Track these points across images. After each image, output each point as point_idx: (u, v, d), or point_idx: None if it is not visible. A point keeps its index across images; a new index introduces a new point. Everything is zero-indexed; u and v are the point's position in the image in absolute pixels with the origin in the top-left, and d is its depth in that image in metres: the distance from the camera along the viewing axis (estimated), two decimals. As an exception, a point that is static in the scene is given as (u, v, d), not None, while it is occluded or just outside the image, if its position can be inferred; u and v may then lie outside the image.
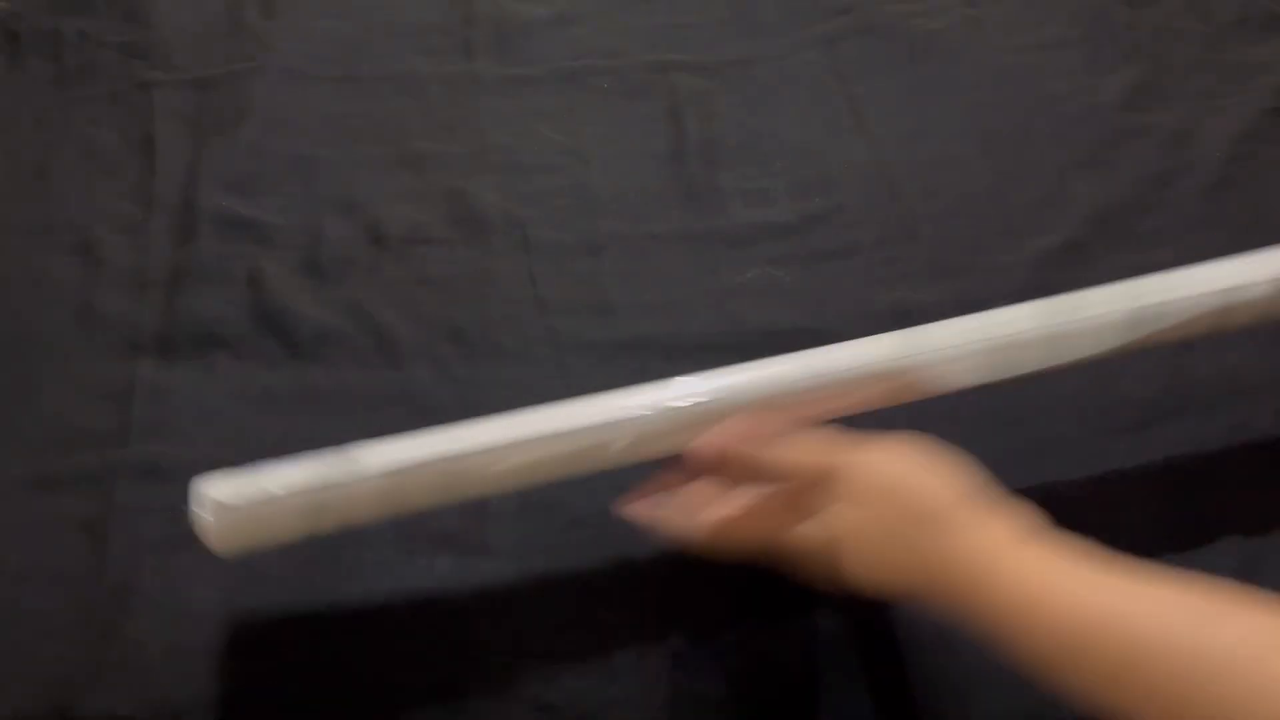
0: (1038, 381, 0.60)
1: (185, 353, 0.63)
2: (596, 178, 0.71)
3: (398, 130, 0.74)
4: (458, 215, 0.69)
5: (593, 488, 0.57)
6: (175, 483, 0.57)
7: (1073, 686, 0.37)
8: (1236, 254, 0.53)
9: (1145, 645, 0.35)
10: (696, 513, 0.48)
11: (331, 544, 0.55)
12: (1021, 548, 0.40)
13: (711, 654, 0.52)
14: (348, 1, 0.82)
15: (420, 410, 0.60)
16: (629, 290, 0.66)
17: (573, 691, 0.51)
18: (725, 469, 0.48)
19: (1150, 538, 0.55)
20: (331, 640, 0.53)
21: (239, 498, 0.47)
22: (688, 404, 0.50)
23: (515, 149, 0.73)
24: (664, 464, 0.50)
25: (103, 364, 0.61)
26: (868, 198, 0.70)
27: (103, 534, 0.56)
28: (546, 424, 0.49)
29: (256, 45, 0.79)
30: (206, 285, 0.66)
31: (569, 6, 0.81)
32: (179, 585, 0.54)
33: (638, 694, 0.51)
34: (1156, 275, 0.52)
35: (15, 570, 0.55)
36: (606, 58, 0.78)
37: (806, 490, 0.45)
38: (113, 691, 0.51)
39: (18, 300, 0.65)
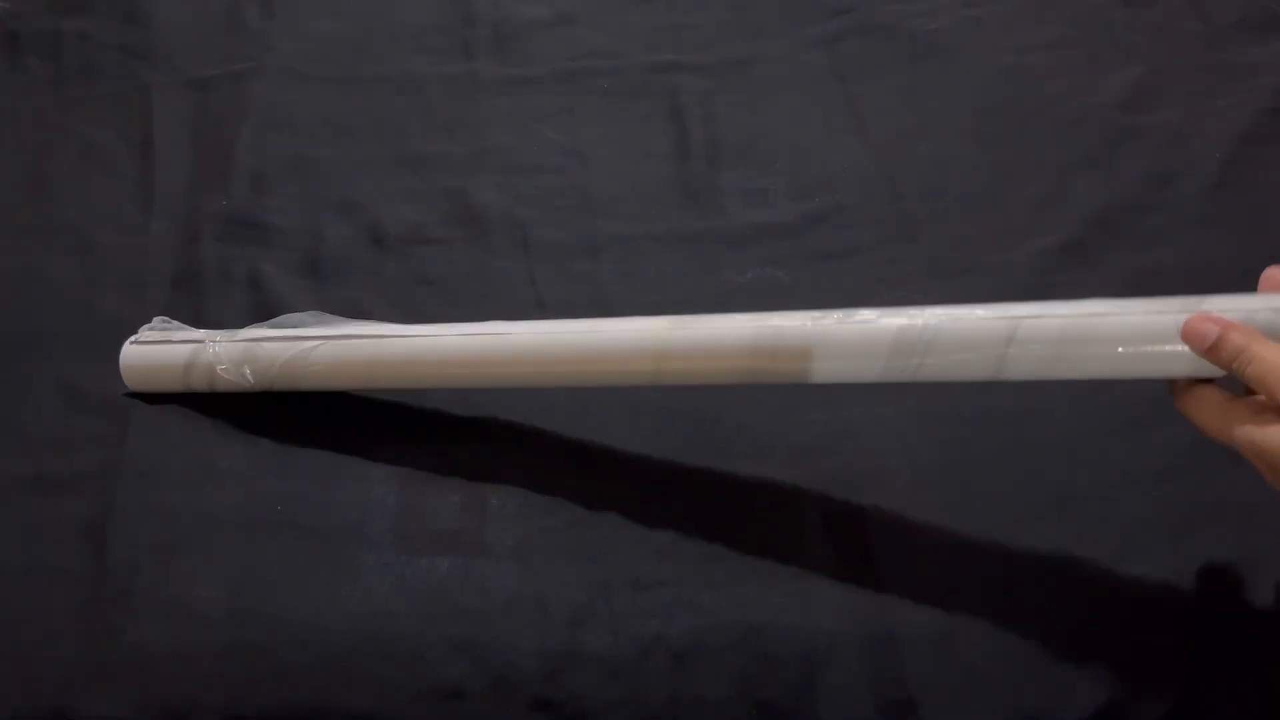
0: (1038, 381, 0.60)
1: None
2: (596, 178, 0.71)
3: (398, 130, 0.74)
4: (458, 215, 0.69)
5: (593, 489, 0.57)
6: (174, 484, 0.58)
7: None
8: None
9: None
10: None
11: (332, 544, 0.55)
12: None
13: (711, 654, 0.52)
14: (348, 1, 0.82)
15: (419, 410, 0.60)
16: (629, 290, 0.66)
17: (572, 691, 0.51)
18: (1213, 353, 0.45)
19: (1150, 537, 0.55)
20: (332, 640, 0.53)
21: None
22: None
23: (515, 149, 0.73)
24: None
25: (103, 364, 0.61)
26: (868, 198, 0.70)
27: (102, 535, 0.56)
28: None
29: (256, 45, 0.79)
30: (206, 286, 0.66)
31: (569, 6, 0.81)
32: (179, 586, 0.54)
33: (638, 694, 0.51)
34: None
35: (15, 571, 0.55)
36: (606, 58, 0.78)
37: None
38: (112, 692, 0.51)
39: (17, 300, 0.66)
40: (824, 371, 0.49)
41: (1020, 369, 0.48)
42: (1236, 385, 0.45)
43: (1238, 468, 0.57)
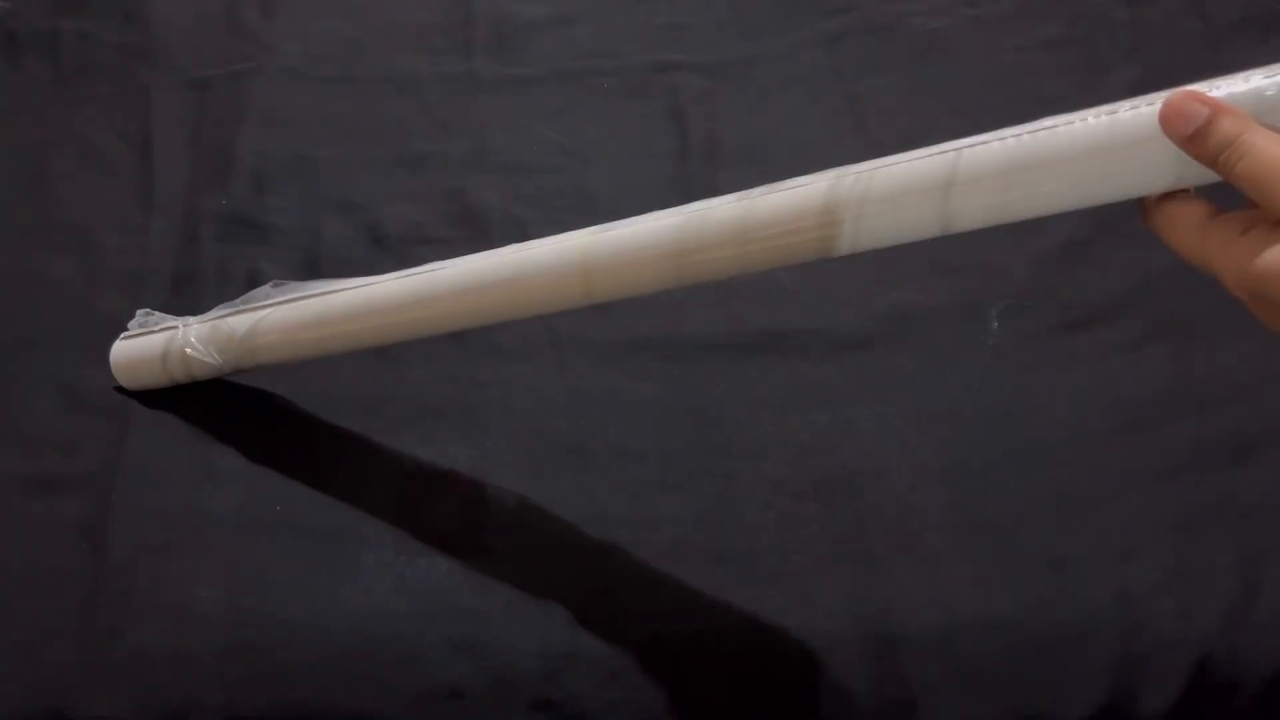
0: (1038, 381, 0.60)
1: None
2: (596, 178, 0.71)
3: (398, 130, 0.74)
4: (458, 215, 0.69)
5: (593, 489, 0.57)
6: (174, 484, 0.58)
7: None
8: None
9: None
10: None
11: (332, 544, 0.55)
12: None
13: (711, 654, 0.52)
14: (348, 1, 0.82)
15: (419, 410, 0.60)
16: (629, 290, 0.65)
17: (572, 691, 0.51)
18: (1196, 141, 0.36)
19: (1150, 537, 0.55)
20: (332, 640, 0.53)
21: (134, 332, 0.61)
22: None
23: (515, 149, 0.73)
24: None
25: (102, 364, 0.61)
26: (868, 198, 0.70)
27: (102, 535, 0.56)
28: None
29: (256, 45, 0.79)
30: (206, 286, 0.66)
31: (569, 6, 0.81)
32: (178, 587, 0.54)
33: (638, 694, 0.51)
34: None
35: (14, 572, 0.55)
36: (606, 58, 0.78)
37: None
38: (112, 693, 0.51)
39: (17, 300, 0.65)
40: (759, 256, 0.45)
41: (970, 213, 0.42)
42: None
43: (1238, 467, 0.57)
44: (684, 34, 0.79)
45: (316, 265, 0.67)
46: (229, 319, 0.57)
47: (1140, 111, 0.39)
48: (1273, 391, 0.60)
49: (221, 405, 0.60)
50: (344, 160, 0.72)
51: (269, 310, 0.55)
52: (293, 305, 0.55)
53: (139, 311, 0.62)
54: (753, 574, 0.54)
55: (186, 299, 0.65)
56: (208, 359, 0.57)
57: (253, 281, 0.66)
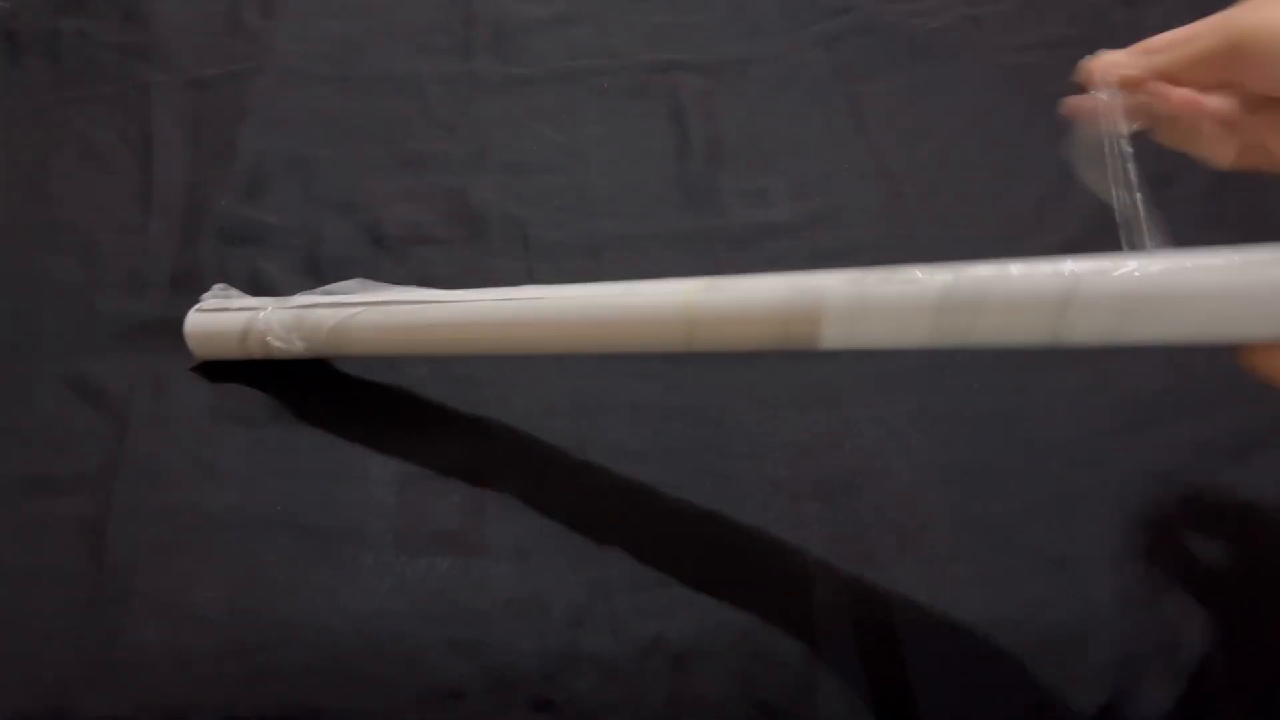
0: (1038, 381, 0.60)
1: (185, 353, 0.63)
2: (596, 178, 0.71)
3: (398, 130, 0.74)
4: (458, 215, 0.69)
5: (593, 489, 0.57)
6: (174, 484, 0.58)
7: None
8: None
9: None
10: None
11: (332, 544, 0.55)
12: None
13: (711, 654, 0.52)
14: (348, 1, 0.82)
15: (419, 410, 0.60)
16: (629, 290, 0.65)
17: (572, 692, 0.51)
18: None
19: (1150, 536, 0.55)
20: (332, 640, 0.53)
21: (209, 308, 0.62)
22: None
23: (515, 149, 0.73)
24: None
25: (103, 363, 0.61)
26: (868, 198, 0.70)
27: (102, 535, 0.56)
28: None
29: (256, 45, 0.79)
30: (206, 285, 0.66)
31: (568, 6, 0.81)
32: (179, 586, 0.54)
33: (638, 694, 0.51)
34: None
35: (14, 571, 0.55)
36: (606, 58, 0.78)
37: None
38: (112, 693, 0.51)
39: (17, 300, 0.66)
40: (866, 337, 0.46)
41: (1081, 334, 0.43)
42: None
43: (1238, 467, 0.57)
44: (684, 34, 0.79)
45: (316, 265, 0.67)
46: (316, 311, 0.58)
47: (1255, 274, 0.40)
48: (1273, 391, 0.60)
49: (222, 405, 0.60)
50: (344, 160, 0.72)
51: (360, 310, 0.56)
52: (388, 309, 0.56)
53: (216, 286, 0.63)
54: (753, 574, 0.54)
55: (187, 299, 0.65)
56: (291, 346, 0.58)
57: (253, 281, 0.66)
